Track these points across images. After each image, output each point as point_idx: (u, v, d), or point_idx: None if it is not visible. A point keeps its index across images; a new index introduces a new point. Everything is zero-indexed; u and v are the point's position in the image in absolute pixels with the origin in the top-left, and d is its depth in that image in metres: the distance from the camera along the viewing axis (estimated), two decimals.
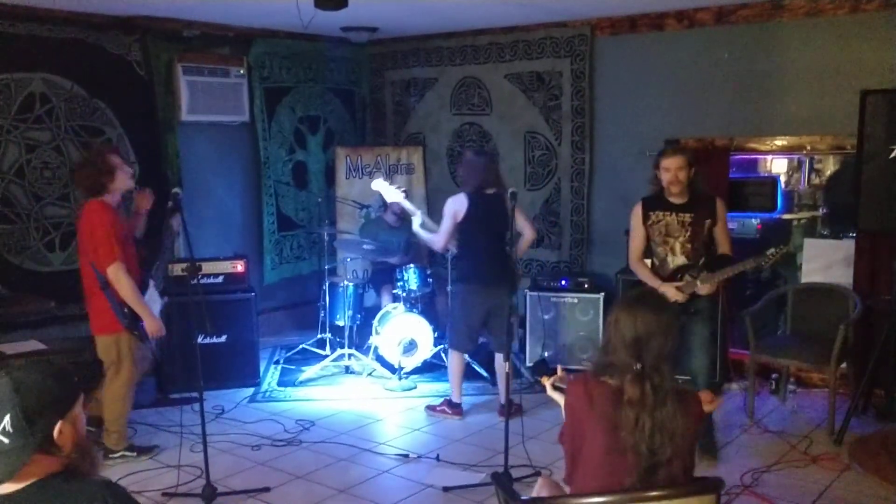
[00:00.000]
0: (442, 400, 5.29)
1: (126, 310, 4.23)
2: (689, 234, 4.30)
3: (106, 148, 4.46)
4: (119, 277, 4.14)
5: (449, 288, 5.59)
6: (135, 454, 4.53)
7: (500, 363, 5.00)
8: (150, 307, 4.33)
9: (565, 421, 2.49)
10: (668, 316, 2.38)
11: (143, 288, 4.34)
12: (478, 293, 4.96)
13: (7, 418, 1.70)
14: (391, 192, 5.09)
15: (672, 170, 4.27)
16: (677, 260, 4.35)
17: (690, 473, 2.37)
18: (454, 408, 5.18)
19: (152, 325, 4.29)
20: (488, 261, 4.87)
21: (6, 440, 1.70)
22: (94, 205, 4.22)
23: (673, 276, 4.34)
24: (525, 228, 4.97)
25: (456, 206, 4.92)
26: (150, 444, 4.64)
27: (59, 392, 1.79)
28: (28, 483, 1.73)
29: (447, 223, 4.97)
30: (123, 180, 4.31)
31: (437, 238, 5.04)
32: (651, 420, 2.23)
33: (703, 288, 4.26)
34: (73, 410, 1.81)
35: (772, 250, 4.01)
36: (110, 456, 4.45)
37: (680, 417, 2.26)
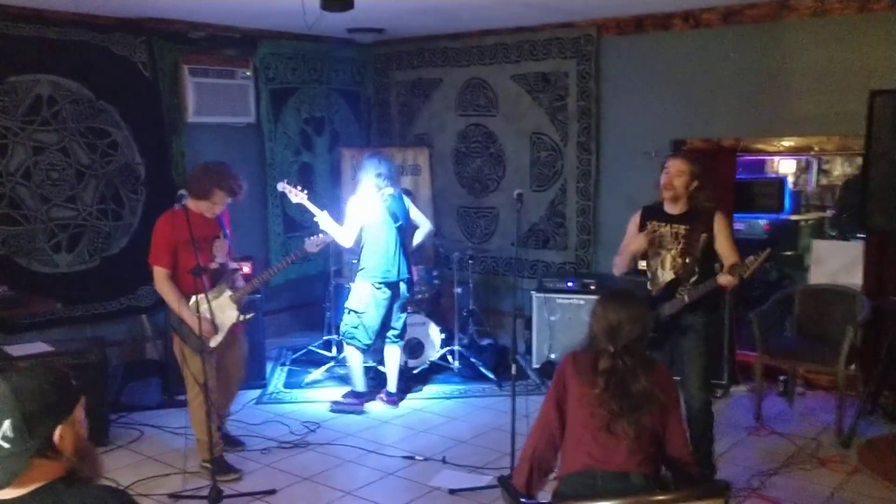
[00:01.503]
0: (348, 391, 5.41)
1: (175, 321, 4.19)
2: (681, 247, 3.99)
3: (223, 177, 4.26)
4: (158, 283, 4.20)
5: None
6: (240, 448, 4.59)
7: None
8: (219, 314, 4.23)
9: (550, 387, 2.89)
10: (637, 308, 2.81)
11: (211, 289, 4.22)
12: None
13: (6, 423, 1.70)
14: (293, 195, 5.10)
15: (670, 172, 4.01)
16: (666, 275, 4.04)
17: (661, 435, 2.76)
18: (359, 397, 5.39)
19: (193, 324, 4.07)
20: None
21: (6, 445, 1.70)
22: (166, 213, 4.22)
23: (665, 291, 4.03)
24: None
25: None
26: (236, 467, 4.37)
27: (59, 396, 1.79)
28: (30, 489, 1.72)
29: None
30: (211, 208, 4.28)
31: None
32: (620, 384, 2.69)
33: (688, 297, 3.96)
34: (73, 414, 1.81)
35: (750, 258, 3.84)
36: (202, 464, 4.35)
37: (647, 383, 2.69)
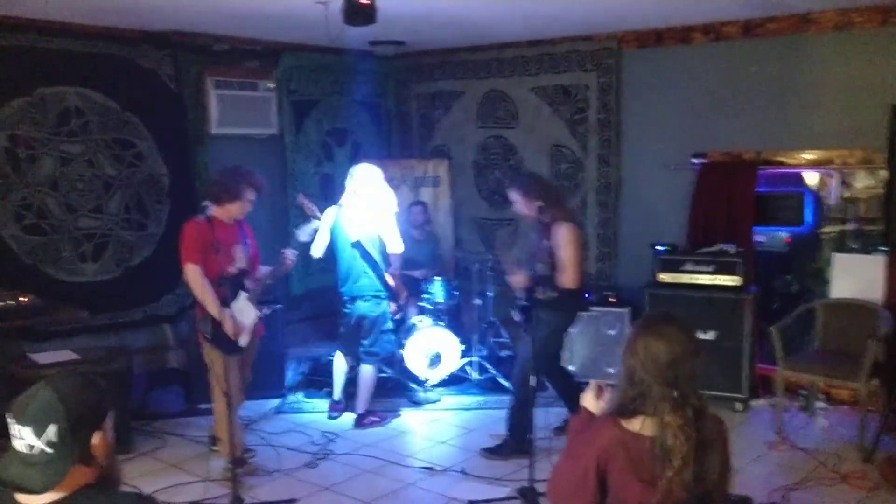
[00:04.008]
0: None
1: (210, 319, 4.25)
2: None
3: (249, 175, 4.51)
4: (192, 278, 4.25)
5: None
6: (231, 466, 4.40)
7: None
8: (240, 316, 4.37)
9: (573, 463, 2.24)
10: (692, 333, 2.24)
11: (233, 296, 4.35)
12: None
13: (52, 429, 1.73)
14: (307, 208, 4.97)
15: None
16: None
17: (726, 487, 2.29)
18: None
19: (226, 324, 4.26)
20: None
21: (50, 450, 1.74)
22: (190, 221, 4.32)
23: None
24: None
25: None
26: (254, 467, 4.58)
27: (97, 403, 1.83)
28: (66, 494, 1.76)
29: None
30: (241, 208, 4.46)
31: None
32: (694, 460, 2.10)
33: None
34: (106, 421, 1.85)
35: None
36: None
37: (717, 437, 2.20)
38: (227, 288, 4.27)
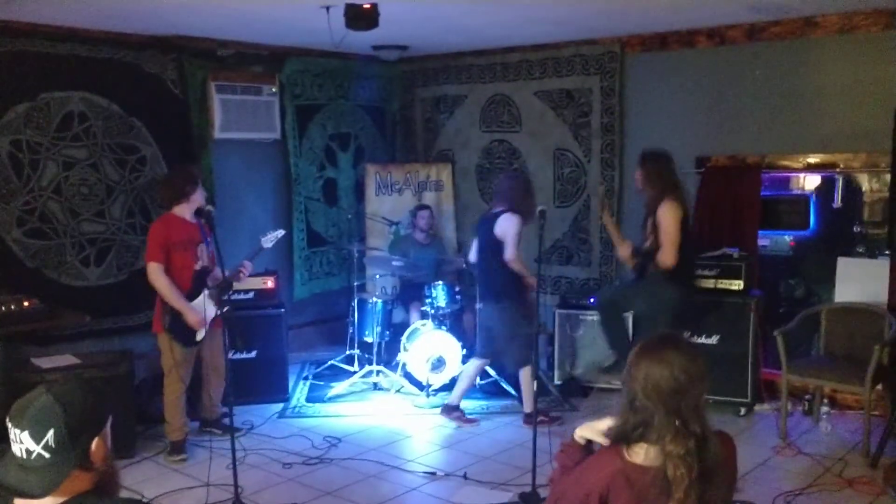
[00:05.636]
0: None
1: (170, 313, 4.63)
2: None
3: (189, 166, 5.08)
4: (154, 276, 4.64)
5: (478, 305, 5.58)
6: (220, 432, 4.99)
7: (521, 376, 5.29)
8: (201, 312, 4.68)
9: (576, 487, 2.14)
10: (700, 358, 2.09)
11: (196, 294, 4.72)
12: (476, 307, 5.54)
13: (51, 433, 1.73)
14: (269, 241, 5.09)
15: None
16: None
17: None
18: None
19: (191, 317, 4.66)
20: (479, 275, 5.39)
21: (48, 455, 1.73)
22: (161, 216, 4.83)
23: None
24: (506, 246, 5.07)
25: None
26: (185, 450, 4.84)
27: (97, 409, 1.83)
28: (64, 499, 1.76)
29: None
30: (202, 193, 4.84)
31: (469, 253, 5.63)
32: (696, 490, 2.00)
33: None
34: (105, 427, 1.85)
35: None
36: (170, 456, 4.78)
37: (722, 461, 2.09)
38: (194, 284, 4.71)
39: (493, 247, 5.08)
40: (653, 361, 2.05)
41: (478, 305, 5.46)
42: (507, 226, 5.01)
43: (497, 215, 5.09)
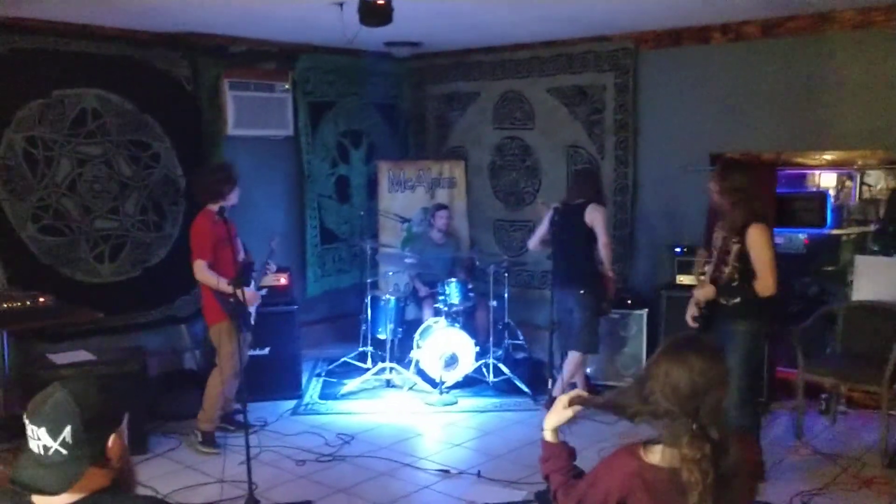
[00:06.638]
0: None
1: (231, 300, 4.54)
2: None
3: (229, 165, 5.09)
4: (198, 271, 4.72)
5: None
6: (233, 428, 5.04)
7: (569, 357, 5.40)
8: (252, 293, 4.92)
9: (591, 487, 2.12)
10: (722, 360, 2.07)
11: (244, 284, 4.74)
12: (554, 295, 5.51)
13: (67, 430, 1.72)
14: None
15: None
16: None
17: None
18: None
19: (248, 295, 4.79)
20: (557, 265, 5.46)
21: (65, 451, 1.73)
22: (202, 212, 4.84)
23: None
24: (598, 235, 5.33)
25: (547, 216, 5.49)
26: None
27: (114, 405, 1.83)
28: (81, 496, 1.75)
29: (540, 229, 5.62)
30: (236, 194, 4.90)
31: (529, 240, 5.85)
32: (713, 495, 1.95)
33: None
34: (122, 424, 1.84)
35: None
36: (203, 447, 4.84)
37: (742, 466, 2.03)
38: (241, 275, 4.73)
39: (580, 235, 5.32)
40: (673, 362, 2.02)
41: (556, 293, 5.50)
42: (596, 214, 5.31)
43: (581, 206, 5.33)
